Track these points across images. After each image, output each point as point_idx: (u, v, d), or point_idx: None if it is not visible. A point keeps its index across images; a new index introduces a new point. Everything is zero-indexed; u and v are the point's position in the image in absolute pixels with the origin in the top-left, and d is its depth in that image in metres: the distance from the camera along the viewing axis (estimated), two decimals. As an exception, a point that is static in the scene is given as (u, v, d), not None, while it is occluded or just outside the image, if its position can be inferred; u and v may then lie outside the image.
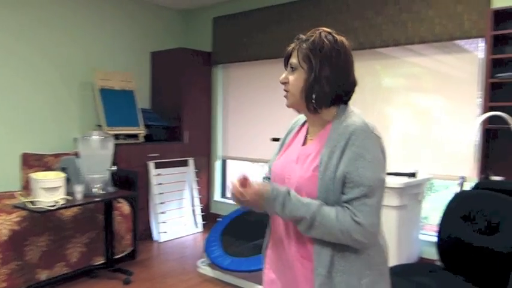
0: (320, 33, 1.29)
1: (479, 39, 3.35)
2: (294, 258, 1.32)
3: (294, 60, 1.31)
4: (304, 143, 1.39)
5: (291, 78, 1.32)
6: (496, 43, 3.12)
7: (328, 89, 1.27)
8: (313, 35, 1.29)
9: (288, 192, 1.25)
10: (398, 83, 3.93)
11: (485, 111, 3.07)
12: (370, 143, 1.21)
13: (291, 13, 4.46)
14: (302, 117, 1.47)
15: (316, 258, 1.25)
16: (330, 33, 1.30)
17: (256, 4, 4.78)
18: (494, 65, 3.11)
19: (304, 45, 1.28)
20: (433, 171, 3.64)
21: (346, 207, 1.20)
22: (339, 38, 1.30)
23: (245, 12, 4.87)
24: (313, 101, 1.28)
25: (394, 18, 3.74)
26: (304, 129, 1.43)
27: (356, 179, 1.18)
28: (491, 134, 3.21)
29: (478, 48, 3.43)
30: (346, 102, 1.34)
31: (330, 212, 1.20)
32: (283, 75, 1.34)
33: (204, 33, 5.34)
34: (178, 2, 5.23)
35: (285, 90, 1.34)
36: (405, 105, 3.88)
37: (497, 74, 3.07)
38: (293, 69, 1.31)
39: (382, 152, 1.25)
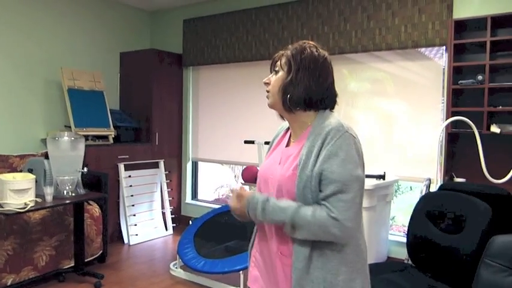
0: (304, 43, 1.41)
1: (442, 47, 3.54)
2: (275, 256, 1.39)
3: (278, 63, 1.43)
4: (287, 145, 1.48)
5: (273, 79, 1.43)
6: (457, 51, 3.29)
7: (301, 92, 1.36)
8: (299, 44, 1.41)
9: (267, 199, 1.34)
10: (364, 87, 4.07)
11: (448, 116, 3.23)
12: (344, 141, 1.29)
13: (260, 18, 4.53)
14: (286, 124, 1.56)
15: (295, 254, 1.31)
16: (314, 46, 1.41)
17: (226, 8, 4.82)
18: (456, 72, 3.28)
19: (289, 52, 1.40)
20: (399, 173, 3.79)
21: (323, 204, 1.27)
22: (322, 51, 1.41)
23: (215, 15, 4.90)
24: (288, 101, 1.38)
25: (363, 26, 3.88)
26: (288, 133, 1.51)
27: (329, 176, 1.26)
28: (453, 137, 3.38)
29: (441, 56, 3.61)
30: (325, 109, 1.41)
31: (307, 211, 1.27)
32: (268, 77, 1.45)
33: (174, 35, 5.32)
34: (147, 3, 5.18)
35: (267, 91, 1.45)
36: (372, 109, 4.01)
37: (458, 80, 3.24)
38: (276, 72, 1.43)
39: (357, 150, 1.32)
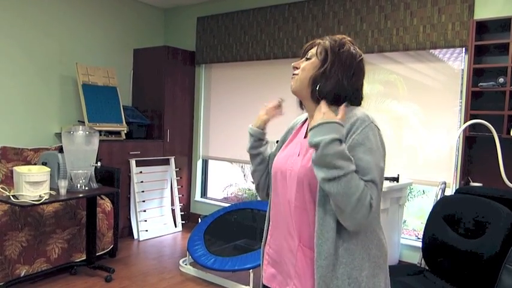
0: (344, 38, 1.37)
1: (459, 49, 3.49)
2: (297, 249, 1.34)
3: (312, 50, 1.38)
4: (305, 137, 1.41)
5: (303, 64, 1.38)
6: (477, 53, 3.22)
7: (331, 87, 1.32)
8: (338, 38, 1.37)
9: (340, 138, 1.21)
10: (376, 89, 4.00)
11: (466, 119, 3.17)
12: (369, 132, 1.25)
13: (275, 16, 4.50)
14: (302, 117, 1.53)
15: (317, 250, 1.27)
16: (352, 42, 1.37)
17: (240, 6, 4.80)
18: (476, 74, 3.22)
19: (327, 42, 1.36)
20: (413, 176, 3.74)
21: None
22: (359, 51, 1.37)
23: (229, 13, 4.88)
24: (316, 91, 1.34)
25: (380, 26, 3.84)
26: (305, 126, 1.47)
27: (356, 163, 1.20)
28: (470, 141, 3.32)
29: (458, 58, 3.55)
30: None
31: (360, 180, 1.19)
32: (298, 62, 1.41)
33: (187, 32, 5.32)
34: (161, 0, 5.18)
35: (294, 74, 1.40)
36: (383, 111, 3.96)
37: (478, 83, 3.17)
38: (308, 58, 1.38)
39: (381, 141, 1.29)
